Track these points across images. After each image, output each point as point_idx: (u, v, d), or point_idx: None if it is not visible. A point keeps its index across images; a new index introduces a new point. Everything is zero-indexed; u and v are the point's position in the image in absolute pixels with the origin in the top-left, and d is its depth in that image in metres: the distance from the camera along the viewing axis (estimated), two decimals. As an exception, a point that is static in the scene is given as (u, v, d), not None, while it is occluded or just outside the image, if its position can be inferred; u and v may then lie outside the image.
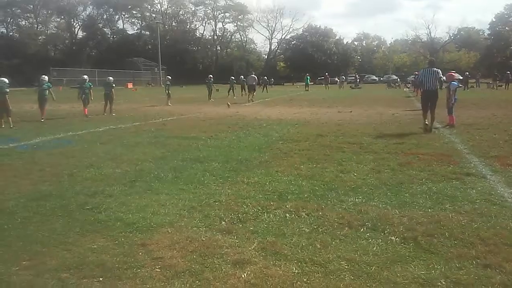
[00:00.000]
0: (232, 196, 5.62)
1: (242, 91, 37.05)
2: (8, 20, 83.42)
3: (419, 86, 32.37)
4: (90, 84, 19.10)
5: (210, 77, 30.60)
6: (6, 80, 14.35)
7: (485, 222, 4.48)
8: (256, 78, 31.80)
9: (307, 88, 46.86)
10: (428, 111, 11.95)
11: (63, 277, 3.41)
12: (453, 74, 15.01)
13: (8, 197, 5.66)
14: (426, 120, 11.75)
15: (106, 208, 5.15)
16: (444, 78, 12.40)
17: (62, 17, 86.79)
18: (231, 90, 34.10)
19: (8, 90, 14.21)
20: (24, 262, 3.68)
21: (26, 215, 4.91)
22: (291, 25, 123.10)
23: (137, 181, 6.48)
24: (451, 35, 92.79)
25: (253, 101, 27.62)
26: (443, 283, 3.23)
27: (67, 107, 21.28)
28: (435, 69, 11.93)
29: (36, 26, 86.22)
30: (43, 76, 16.66)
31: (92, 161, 8.01)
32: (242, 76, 40.12)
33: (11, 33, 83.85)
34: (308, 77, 50.32)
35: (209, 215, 4.88)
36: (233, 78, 36.21)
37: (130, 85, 59.63)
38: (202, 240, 4.14)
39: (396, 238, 4.11)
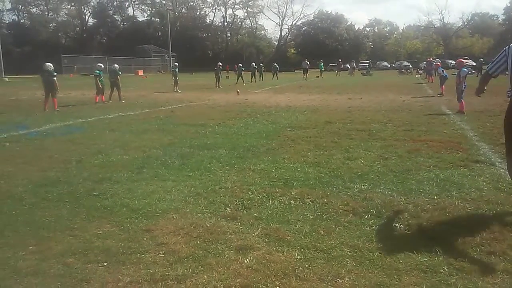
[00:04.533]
0: (238, 182, 5.64)
1: (252, 78, 37.06)
2: (19, 8, 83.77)
3: (431, 73, 32.13)
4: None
5: (219, 65, 30.93)
6: None
7: (491, 210, 4.44)
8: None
9: (321, 75, 46.27)
10: None
11: (68, 262, 3.45)
12: (462, 60, 14.82)
13: (16, 183, 5.73)
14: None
15: (113, 194, 5.19)
16: None
17: (73, 4, 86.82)
18: (240, 77, 34.08)
19: None
20: (30, 247, 3.73)
21: (33, 201, 4.97)
22: (301, 11, 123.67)
23: (144, 167, 6.52)
24: (465, 21, 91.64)
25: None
26: (446, 270, 3.21)
27: (78, 94, 21.41)
28: None
29: (47, 13, 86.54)
30: (47, 63, 16.00)
31: (101, 148, 8.07)
32: (254, 63, 40.05)
33: (22, 21, 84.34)
34: (322, 63, 49.67)
35: (214, 201, 4.90)
36: (241, 65, 36.20)
37: (140, 72, 59.78)
38: (207, 226, 4.16)
39: (401, 225, 4.10)
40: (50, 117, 13.07)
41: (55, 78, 15.42)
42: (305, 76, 42.55)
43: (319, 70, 48.51)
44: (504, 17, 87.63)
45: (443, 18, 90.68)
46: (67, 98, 19.62)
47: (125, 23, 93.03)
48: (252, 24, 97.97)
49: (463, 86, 12.92)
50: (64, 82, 30.67)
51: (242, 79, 33.89)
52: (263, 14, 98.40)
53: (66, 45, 79.93)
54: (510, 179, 4.78)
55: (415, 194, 5.05)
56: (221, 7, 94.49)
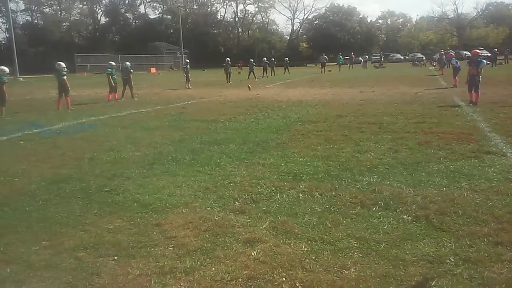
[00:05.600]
0: (247, 177, 5.68)
1: (263, 73, 37.03)
2: (33, 8, 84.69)
3: (444, 65, 31.73)
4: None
5: (228, 61, 30.92)
6: (6, 69, 14.25)
7: (500, 200, 4.42)
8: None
9: (339, 69, 45.95)
10: None
11: (80, 256, 3.53)
12: (478, 51, 14.59)
13: (30, 180, 5.86)
14: None
15: (124, 190, 5.28)
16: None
17: (85, 3, 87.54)
18: (252, 72, 34.12)
19: (6, 79, 14.13)
20: (43, 242, 3.83)
21: (46, 198, 5.08)
22: (313, 4, 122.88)
23: (155, 163, 6.60)
24: (479, 11, 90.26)
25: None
26: (452, 260, 3.22)
27: (91, 93, 21.62)
28: None
29: (59, 13, 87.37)
30: (58, 62, 16.00)
31: (113, 145, 8.18)
32: (265, 58, 39.98)
33: (36, 21, 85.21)
34: (341, 57, 49.26)
35: (223, 195, 4.95)
36: (252, 60, 36.23)
37: (153, 70, 60.02)
38: (215, 219, 4.21)
39: (408, 216, 4.10)
40: (64, 116, 13.25)
41: (65, 77, 15.54)
42: (322, 70, 42.94)
43: (337, 63, 48.23)
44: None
45: (457, 8, 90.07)
46: (80, 96, 19.84)
47: (137, 21, 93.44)
48: (264, 19, 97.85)
49: (479, 78, 12.75)
50: (77, 81, 31.06)
51: (254, 75, 33.91)
52: (274, 8, 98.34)
53: (80, 44, 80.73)
54: None
55: (424, 186, 5.04)
56: (232, 2, 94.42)
